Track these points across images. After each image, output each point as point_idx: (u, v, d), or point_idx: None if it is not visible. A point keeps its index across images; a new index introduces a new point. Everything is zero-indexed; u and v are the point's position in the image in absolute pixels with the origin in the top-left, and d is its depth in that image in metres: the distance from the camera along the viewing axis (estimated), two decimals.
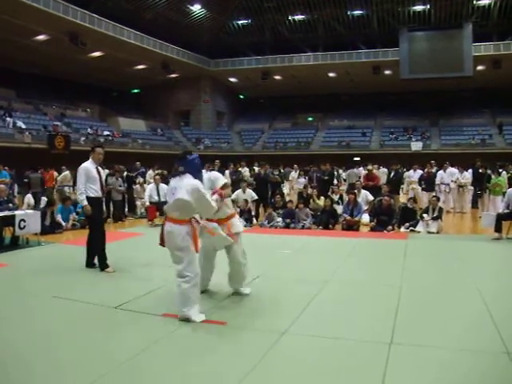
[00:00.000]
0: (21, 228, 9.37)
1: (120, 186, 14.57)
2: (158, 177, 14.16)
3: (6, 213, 9.55)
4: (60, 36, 30.34)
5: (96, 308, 5.43)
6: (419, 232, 11.68)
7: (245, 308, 5.33)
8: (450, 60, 36.16)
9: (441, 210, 12.14)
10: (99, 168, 7.64)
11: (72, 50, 32.14)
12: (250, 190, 13.95)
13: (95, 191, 7.38)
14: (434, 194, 14.98)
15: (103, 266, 7.33)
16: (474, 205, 16.32)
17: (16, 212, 9.70)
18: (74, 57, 33.90)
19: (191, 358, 4.09)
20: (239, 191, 13.81)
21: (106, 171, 13.89)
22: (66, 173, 17.05)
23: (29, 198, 13.01)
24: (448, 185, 16.02)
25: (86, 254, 7.59)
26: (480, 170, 16.03)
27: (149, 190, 13.58)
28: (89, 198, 7.30)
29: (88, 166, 7.44)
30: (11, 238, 9.82)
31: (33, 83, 35.95)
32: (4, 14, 25.92)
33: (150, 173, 18.55)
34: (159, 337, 4.51)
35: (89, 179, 7.34)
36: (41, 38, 30.90)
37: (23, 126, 29.91)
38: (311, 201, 13.86)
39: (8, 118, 29.75)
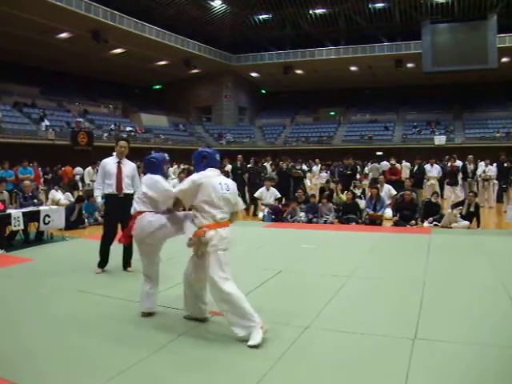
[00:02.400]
0: (45, 223, 9.49)
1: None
2: (182, 175, 14.22)
3: (31, 208, 9.68)
4: (82, 33, 30.62)
5: (120, 302, 5.47)
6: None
7: (267, 303, 5.32)
8: (473, 52, 35.61)
9: (477, 206, 11.75)
10: (123, 162, 7.13)
11: (94, 48, 32.44)
12: (274, 189, 13.99)
13: (109, 187, 7.00)
14: (457, 188, 14.82)
15: (99, 264, 7.10)
16: (499, 199, 16.09)
17: (41, 207, 9.82)
18: (96, 54, 34.22)
19: (208, 354, 4.07)
20: (263, 189, 13.90)
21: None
22: (88, 168, 17.20)
23: (53, 194, 13.17)
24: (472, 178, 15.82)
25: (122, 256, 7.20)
26: (505, 164, 15.79)
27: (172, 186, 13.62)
28: (105, 195, 7.10)
29: (106, 160, 7.19)
30: (36, 234, 9.97)
31: (56, 80, 36.38)
32: (27, 12, 26.24)
33: (173, 169, 18.66)
34: (181, 332, 4.52)
35: (105, 175, 7.07)
36: (64, 35, 31.20)
37: (47, 123, 30.28)
38: (334, 195, 13.81)
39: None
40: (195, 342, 4.30)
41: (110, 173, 7.02)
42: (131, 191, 6.96)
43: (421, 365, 3.74)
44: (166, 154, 5.65)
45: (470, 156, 15.86)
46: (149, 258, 5.01)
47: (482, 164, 16.40)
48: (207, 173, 4.54)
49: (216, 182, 4.49)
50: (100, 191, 7.14)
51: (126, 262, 7.16)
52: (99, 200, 7.19)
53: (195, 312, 4.83)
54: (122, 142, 7.21)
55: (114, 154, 7.24)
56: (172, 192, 4.74)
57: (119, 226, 7.06)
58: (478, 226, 11.40)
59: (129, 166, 7.19)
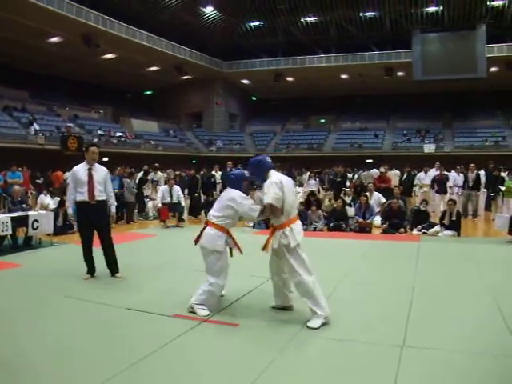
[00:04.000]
0: (34, 228, 9.43)
1: (133, 188, 14.68)
2: (172, 181, 14.21)
3: (20, 213, 9.62)
4: (73, 38, 30.58)
5: (107, 308, 5.45)
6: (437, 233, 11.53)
7: (257, 309, 5.32)
8: (463, 61, 35.94)
9: (459, 214, 11.77)
10: (94, 169, 6.96)
11: (85, 52, 32.39)
12: (260, 194, 13.95)
13: (81, 195, 6.80)
14: (447, 196, 14.84)
15: (89, 270, 6.99)
16: (488, 207, 16.18)
17: (29, 212, 9.77)
18: (87, 59, 34.16)
19: (201, 359, 4.09)
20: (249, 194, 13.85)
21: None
22: None
23: (42, 199, 13.10)
24: (461, 187, 15.78)
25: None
26: (493, 173, 15.88)
27: (161, 192, 13.62)
28: (76, 203, 6.89)
29: (77, 168, 6.99)
30: (24, 239, 9.90)
31: (46, 85, 36.24)
32: (18, 16, 26.18)
33: (162, 175, 18.65)
34: (170, 338, 4.50)
35: (76, 183, 6.87)
36: (54, 40, 31.17)
37: (37, 128, 30.15)
38: (326, 201, 13.83)
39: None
40: (184, 348, 4.29)
41: (82, 180, 6.85)
42: (104, 197, 6.98)
43: (409, 372, 3.75)
44: (245, 172, 5.76)
45: (472, 164, 15.66)
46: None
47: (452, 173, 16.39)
48: (276, 174, 5.04)
49: (285, 180, 5.01)
50: (72, 200, 6.97)
51: (112, 268, 7.02)
52: (70, 211, 7.09)
53: (284, 300, 5.32)
54: (94, 148, 7.08)
55: (85, 160, 7.02)
56: (263, 203, 5.02)
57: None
58: (459, 235, 11.43)
59: (100, 172, 7.04)
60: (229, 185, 5.56)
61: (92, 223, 6.92)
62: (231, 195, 5.29)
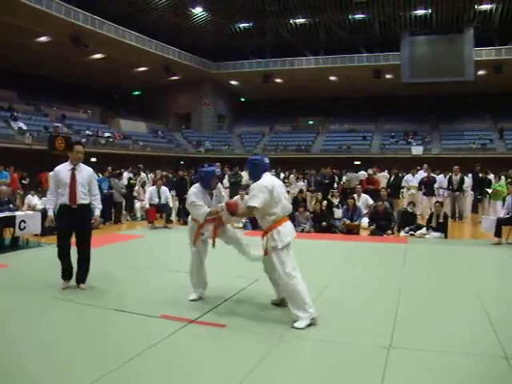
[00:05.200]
0: (21, 229, 9.39)
1: (122, 188, 14.67)
2: (160, 182, 14.20)
3: (7, 213, 9.57)
4: (62, 38, 30.37)
5: (94, 310, 5.43)
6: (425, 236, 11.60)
7: (244, 310, 5.33)
8: (451, 64, 36.14)
9: (446, 216, 11.86)
10: (77, 169, 6.41)
11: (74, 52, 32.19)
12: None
13: (62, 197, 6.27)
14: (434, 198, 14.88)
15: (64, 275, 6.44)
16: (474, 210, 16.28)
17: (16, 213, 9.72)
18: (75, 59, 33.93)
19: (189, 360, 4.09)
20: (237, 197, 13.78)
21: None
22: None
23: (29, 199, 13.02)
24: (447, 189, 15.81)
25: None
26: (480, 175, 15.99)
27: (149, 193, 13.61)
28: (59, 206, 6.36)
29: (59, 168, 6.42)
30: (11, 239, 9.84)
31: (34, 85, 35.92)
32: (5, 15, 25.91)
33: (144, 175, 18.61)
34: (157, 339, 4.50)
35: (58, 184, 6.31)
36: (43, 39, 30.92)
37: (24, 128, 29.95)
38: (312, 203, 13.86)
39: (13, 123, 29.89)
40: (170, 349, 4.30)
41: (64, 182, 6.27)
42: (87, 201, 6.43)
43: (396, 373, 3.78)
44: (217, 169, 5.94)
45: (456, 167, 15.70)
46: None
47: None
48: (268, 178, 5.11)
49: (277, 184, 5.15)
50: (52, 202, 6.42)
51: (81, 277, 6.48)
52: (50, 213, 6.43)
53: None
54: (79, 147, 6.54)
55: (69, 160, 6.49)
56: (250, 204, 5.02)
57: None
58: (446, 237, 11.50)
59: (85, 172, 6.47)
60: (198, 180, 5.86)
61: (71, 228, 6.37)
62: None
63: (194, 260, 5.82)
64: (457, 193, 15.10)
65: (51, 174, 6.48)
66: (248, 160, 5.42)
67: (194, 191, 5.70)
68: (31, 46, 31.17)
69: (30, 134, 29.22)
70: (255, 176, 5.21)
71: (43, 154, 27.50)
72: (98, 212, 6.68)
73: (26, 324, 4.93)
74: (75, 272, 6.50)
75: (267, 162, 5.31)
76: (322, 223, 12.60)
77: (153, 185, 15.09)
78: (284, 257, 4.94)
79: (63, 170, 6.38)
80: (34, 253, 9.30)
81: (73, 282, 6.46)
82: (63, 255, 6.37)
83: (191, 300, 5.73)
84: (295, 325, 4.80)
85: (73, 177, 6.32)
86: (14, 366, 3.93)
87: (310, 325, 4.81)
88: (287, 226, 5.11)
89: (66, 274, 6.44)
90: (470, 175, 16.75)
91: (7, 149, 26.00)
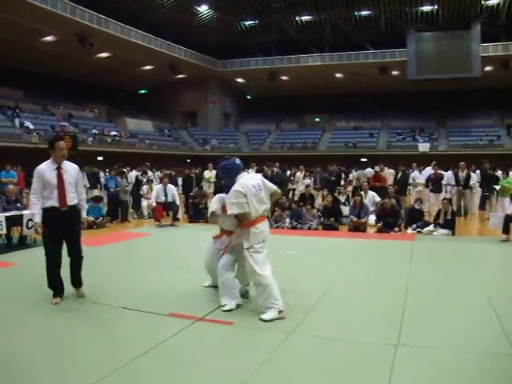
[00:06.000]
0: (28, 228, 9.40)
1: (126, 186, 14.71)
2: (166, 179, 14.22)
3: (14, 212, 9.60)
4: (68, 37, 30.48)
5: (102, 307, 5.44)
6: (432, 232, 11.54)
7: (251, 308, 5.33)
8: (457, 60, 36.00)
9: (453, 213, 11.78)
10: (63, 167, 5.76)
11: (80, 51, 32.29)
12: None
13: (49, 200, 5.63)
14: (441, 195, 14.79)
15: (55, 293, 5.76)
16: (482, 206, 16.20)
17: (24, 212, 9.74)
18: (81, 57, 34.02)
19: (196, 358, 4.08)
20: None
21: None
22: None
23: None
24: (454, 186, 15.72)
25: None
26: (488, 172, 15.90)
27: (155, 191, 13.62)
28: (44, 210, 5.67)
29: (43, 167, 5.72)
30: (19, 238, 9.89)
31: (40, 84, 36.04)
32: (12, 14, 26.04)
33: (158, 174, 18.68)
34: (165, 336, 4.50)
35: (43, 185, 5.64)
36: (49, 38, 31.05)
37: (31, 127, 30.04)
38: (320, 200, 13.85)
39: (16, 119, 30.01)
40: (178, 347, 4.30)
41: (50, 183, 5.62)
42: (76, 201, 5.83)
43: (403, 371, 3.76)
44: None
45: (462, 163, 15.60)
46: None
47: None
48: (242, 181, 5.11)
49: (251, 185, 5.10)
50: (38, 206, 5.67)
51: (76, 282, 5.97)
52: (37, 219, 5.69)
53: None
54: (62, 143, 5.86)
55: (51, 157, 5.80)
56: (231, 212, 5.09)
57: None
58: (453, 234, 11.46)
59: (71, 171, 5.84)
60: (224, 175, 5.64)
61: (61, 233, 5.74)
62: None
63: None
64: (465, 189, 15.01)
65: (35, 173, 5.70)
66: (220, 166, 5.44)
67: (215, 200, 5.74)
68: (37, 45, 31.29)
69: (37, 133, 29.31)
70: (230, 181, 5.25)
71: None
72: (84, 212, 6.14)
73: (32, 322, 4.94)
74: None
75: (239, 163, 5.35)
76: (331, 219, 12.61)
77: (160, 183, 15.11)
78: (254, 255, 5.03)
79: (48, 169, 5.69)
80: (42, 251, 9.29)
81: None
82: (53, 266, 5.72)
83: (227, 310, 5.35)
84: (262, 316, 4.96)
85: (59, 177, 5.69)
86: (19, 363, 3.94)
87: (277, 318, 4.93)
88: (262, 225, 5.16)
89: (58, 289, 5.77)
90: (477, 172, 16.66)
91: (14, 148, 26.15)
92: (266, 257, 5.13)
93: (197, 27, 40.05)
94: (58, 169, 5.69)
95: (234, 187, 5.03)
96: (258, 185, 5.18)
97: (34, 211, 5.70)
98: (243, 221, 5.09)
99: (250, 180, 5.19)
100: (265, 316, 4.93)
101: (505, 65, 35.67)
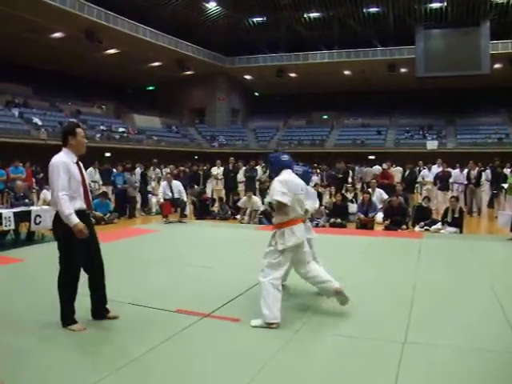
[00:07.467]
0: (36, 223, 9.45)
1: (135, 182, 14.78)
2: (169, 175, 14.24)
3: (22, 208, 9.64)
4: (76, 33, 30.59)
5: (110, 303, 5.42)
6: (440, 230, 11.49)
7: (258, 305, 5.32)
8: (466, 58, 35.83)
9: (461, 211, 11.72)
10: (80, 164, 4.72)
11: (88, 48, 32.42)
12: (257, 199, 13.81)
13: (76, 200, 4.53)
14: (449, 193, 14.74)
15: (66, 320, 4.59)
16: (490, 204, 16.13)
17: (32, 207, 9.79)
18: (89, 54, 34.16)
19: (203, 354, 4.08)
20: (245, 199, 13.72)
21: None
22: (90, 169, 16.61)
23: (45, 194, 13.12)
24: (462, 184, 15.65)
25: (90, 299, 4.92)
26: (497, 170, 15.83)
27: (162, 188, 13.64)
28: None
29: (66, 160, 4.55)
30: (27, 234, 9.93)
31: (49, 80, 36.23)
32: (20, 11, 26.18)
33: (166, 170, 18.72)
34: (172, 332, 4.50)
35: (70, 181, 4.50)
36: (57, 35, 31.19)
37: (39, 123, 30.16)
38: (327, 197, 13.84)
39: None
40: (184, 344, 4.30)
41: (76, 179, 4.56)
42: None
43: (410, 368, 3.75)
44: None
45: (471, 162, 15.52)
46: None
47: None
48: (286, 176, 4.93)
49: (294, 183, 4.95)
50: (70, 206, 4.42)
51: (104, 305, 4.96)
52: (76, 220, 4.38)
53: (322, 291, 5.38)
54: (82, 130, 4.79)
55: (67, 149, 4.68)
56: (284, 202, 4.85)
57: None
58: (461, 232, 11.41)
59: (82, 167, 4.79)
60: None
61: (89, 241, 4.61)
62: None
63: None
64: (476, 187, 14.95)
65: (57, 165, 4.47)
66: (268, 156, 5.41)
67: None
68: (46, 41, 31.48)
69: (46, 130, 29.44)
70: (273, 172, 5.20)
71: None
72: None
73: (40, 317, 4.94)
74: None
75: (285, 159, 5.14)
76: (337, 219, 12.59)
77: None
78: (279, 258, 4.82)
79: (70, 162, 4.58)
80: (50, 247, 9.30)
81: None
82: (74, 285, 4.65)
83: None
84: (252, 322, 4.74)
85: (81, 173, 4.69)
86: (33, 358, 3.95)
87: (264, 326, 4.65)
88: (297, 228, 4.90)
89: (71, 313, 4.66)
90: (487, 170, 16.57)
91: (23, 144, 26.29)
92: (286, 264, 4.94)
93: (205, 24, 40.11)
94: (78, 163, 4.67)
95: (278, 178, 4.90)
96: (301, 187, 5.03)
97: (69, 211, 4.35)
98: (280, 218, 4.89)
99: (294, 179, 5.02)
100: (253, 321, 4.74)
101: None
